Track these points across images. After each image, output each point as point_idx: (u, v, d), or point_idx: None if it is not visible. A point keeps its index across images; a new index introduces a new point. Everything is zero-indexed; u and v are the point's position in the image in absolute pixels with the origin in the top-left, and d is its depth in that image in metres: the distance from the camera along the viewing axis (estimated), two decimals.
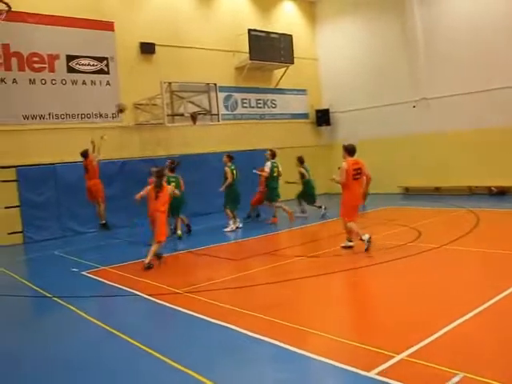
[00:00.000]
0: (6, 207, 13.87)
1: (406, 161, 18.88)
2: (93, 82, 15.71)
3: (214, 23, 18.93)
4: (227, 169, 13.24)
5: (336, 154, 21.12)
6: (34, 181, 14.13)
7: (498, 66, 16.27)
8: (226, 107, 19.03)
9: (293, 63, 20.21)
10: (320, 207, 14.60)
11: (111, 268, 9.56)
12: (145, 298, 7.21)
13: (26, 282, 9.20)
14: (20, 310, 7.69)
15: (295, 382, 4.29)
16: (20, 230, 14.11)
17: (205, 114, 15.77)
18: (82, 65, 15.50)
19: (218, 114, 16.16)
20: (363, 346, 4.72)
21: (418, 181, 18.83)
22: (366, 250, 9.08)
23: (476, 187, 17.23)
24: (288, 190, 15.59)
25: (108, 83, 16.01)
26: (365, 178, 9.54)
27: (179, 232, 12.51)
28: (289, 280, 7.62)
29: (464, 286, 6.69)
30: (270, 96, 20.75)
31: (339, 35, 21.65)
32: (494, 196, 16.42)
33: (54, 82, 14.94)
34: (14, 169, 14.05)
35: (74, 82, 15.33)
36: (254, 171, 14.26)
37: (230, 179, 13.17)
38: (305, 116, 22.15)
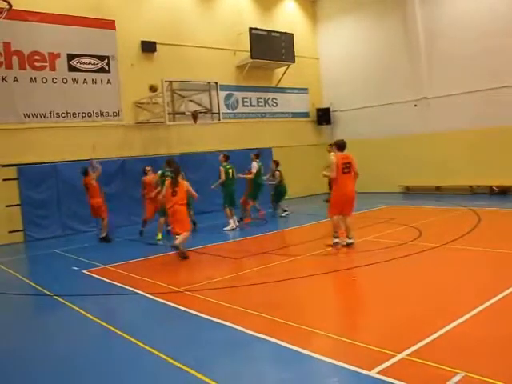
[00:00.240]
0: (7, 205, 13.89)
1: (406, 160, 18.87)
2: (94, 81, 15.72)
3: (216, 22, 18.92)
4: (221, 168, 13.31)
5: None
6: (34, 179, 14.15)
7: (498, 65, 16.25)
8: (227, 106, 19.03)
9: (294, 62, 20.21)
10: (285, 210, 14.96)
11: (112, 266, 9.57)
12: (145, 297, 7.21)
13: (27, 281, 9.21)
14: (21, 309, 7.69)
15: (296, 380, 4.28)
16: (21, 228, 14.13)
17: (206, 113, 15.76)
18: (83, 63, 15.49)
19: (218, 113, 16.16)
20: (364, 345, 4.72)
21: (418, 180, 18.81)
22: (330, 245, 9.58)
23: (477, 186, 17.20)
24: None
25: (109, 82, 16.01)
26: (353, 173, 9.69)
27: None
28: (289, 279, 7.62)
29: (465, 285, 6.68)
30: (270, 95, 20.75)
31: (340, 34, 21.64)
32: (495, 195, 16.41)
33: (55, 80, 14.94)
34: (14, 167, 14.07)
35: (75, 81, 15.34)
36: (241, 176, 14.18)
37: (222, 178, 13.22)
38: (306, 115, 22.14)
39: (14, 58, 14.23)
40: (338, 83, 21.64)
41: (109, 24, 15.96)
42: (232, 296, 7.04)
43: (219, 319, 5.83)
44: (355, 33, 20.99)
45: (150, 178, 13.28)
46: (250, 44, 18.71)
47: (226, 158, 13.61)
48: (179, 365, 4.65)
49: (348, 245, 9.60)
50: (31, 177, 14.16)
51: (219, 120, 16.37)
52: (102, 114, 15.81)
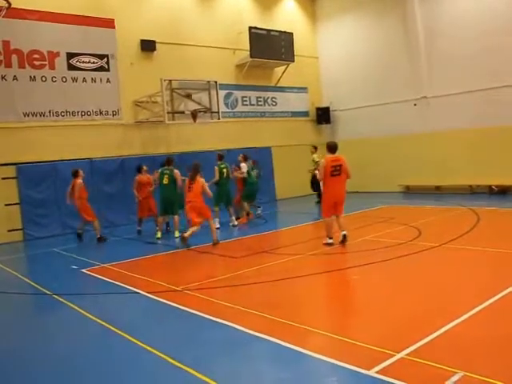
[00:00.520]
0: (6, 204, 13.90)
1: (406, 159, 18.86)
2: (93, 80, 15.71)
3: (215, 21, 18.92)
4: (215, 167, 13.45)
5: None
6: (34, 178, 14.16)
7: (498, 64, 16.24)
8: (227, 105, 19.03)
9: (293, 61, 20.20)
10: (247, 214, 14.62)
11: (111, 265, 9.56)
12: (144, 296, 7.20)
13: (26, 280, 9.20)
14: (20, 308, 7.68)
15: (295, 380, 4.28)
16: (20, 227, 14.14)
17: (205, 112, 15.76)
18: (83, 62, 15.49)
19: (218, 112, 16.16)
20: (363, 345, 4.71)
21: (418, 179, 18.81)
22: (324, 244, 9.78)
23: (477, 186, 17.21)
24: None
25: (108, 80, 16.01)
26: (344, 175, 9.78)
27: (176, 233, 12.54)
28: (289, 278, 7.62)
29: (464, 285, 6.68)
30: (270, 94, 20.75)
31: (340, 33, 21.64)
32: (494, 195, 16.40)
33: (54, 79, 14.93)
34: (14, 166, 14.07)
35: (75, 80, 15.33)
36: (236, 174, 14.21)
37: (216, 178, 13.33)
38: (305, 114, 22.14)
39: (14, 57, 14.23)
40: (337, 82, 21.63)
41: (108, 23, 15.95)
42: (231, 295, 7.03)
43: (218, 318, 5.83)
44: (355, 32, 20.98)
45: (145, 178, 13.28)
46: (250, 43, 18.71)
47: (221, 157, 13.74)
48: (178, 364, 4.64)
49: (344, 237, 9.67)
50: (30, 176, 14.16)
51: (219, 119, 16.38)
52: (101, 112, 15.81)
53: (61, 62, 15.07)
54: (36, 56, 14.62)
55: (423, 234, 10.30)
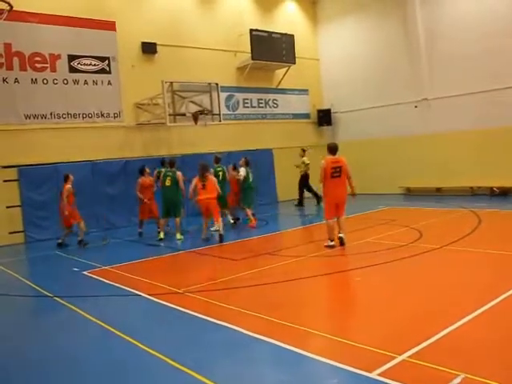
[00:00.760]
0: (8, 207, 13.91)
1: (407, 161, 18.86)
2: (94, 82, 15.73)
3: (216, 23, 18.93)
4: (211, 170, 13.44)
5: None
6: (35, 180, 14.17)
7: (499, 66, 16.23)
8: (228, 107, 19.03)
9: (294, 63, 20.21)
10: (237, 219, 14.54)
11: (112, 268, 9.56)
12: (145, 298, 7.20)
13: (27, 282, 9.21)
14: (22, 310, 7.69)
15: (296, 382, 4.28)
16: (21, 229, 14.15)
17: (206, 114, 15.76)
18: (84, 64, 15.51)
19: (219, 114, 16.15)
20: (365, 347, 4.71)
21: (419, 181, 18.80)
22: (326, 246, 9.76)
23: (478, 188, 17.20)
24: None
25: (110, 83, 16.02)
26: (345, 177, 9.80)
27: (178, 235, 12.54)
28: (290, 280, 7.60)
29: (465, 287, 6.67)
30: (271, 96, 20.76)
31: (341, 35, 21.64)
32: (495, 197, 16.38)
33: (55, 81, 14.95)
34: (15, 168, 14.09)
35: (76, 82, 15.35)
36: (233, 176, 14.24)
37: None
38: (306, 116, 22.14)
39: (15, 60, 14.25)
40: (338, 84, 21.63)
41: (109, 25, 15.97)
42: (232, 297, 7.03)
43: (219, 320, 5.82)
44: (356, 34, 20.99)
45: (147, 180, 13.28)
46: (251, 45, 18.72)
47: (217, 160, 13.79)
48: (179, 366, 4.64)
49: (341, 239, 9.73)
50: (32, 178, 14.17)
51: (220, 121, 16.36)
52: (102, 115, 15.82)
53: (62, 65, 15.09)
54: (37, 58, 14.64)
55: (424, 235, 10.29)
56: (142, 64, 16.82)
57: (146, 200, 13.11)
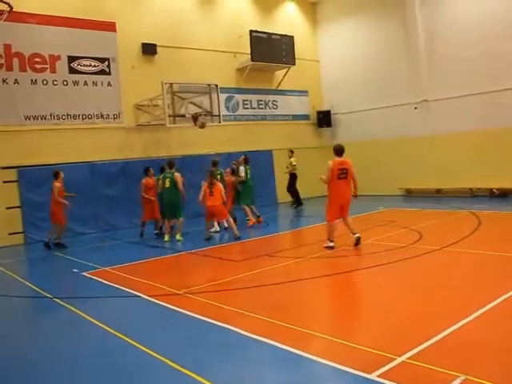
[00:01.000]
0: (7, 208, 13.91)
1: (407, 163, 18.87)
2: (94, 83, 15.73)
3: (216, 24, 18.94)
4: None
5: None
6: (34, 181, 14.15)
7: (498, 68, 16.25)
8: (228, 108, 19.04)
9: (294, 64, 20.23)
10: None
11: (111, 269, 9.55)
12: (145, 299, 7.20)
13: (27, 283, 9.20)
14: (21, 311, 7.69)
15: (295, 383, 4.28)
16: (21, 230, 14.15)
17: (206, 115, 15.76)
18: (84, 65, 15.51)
19: (219, 115, 16.16)
20: (364, 348, 4.70)
21: (419, 183, 18.82)
22: (325, 247, 9.75)
23: (477, 189, 17.21)
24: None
25: (109, 84, 16.03)
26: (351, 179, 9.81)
27: (178, 236, 12.54)
28: (290, 281, 7.59)
29: (465, 288, 6.67)
30: (271, 97, 20.77)
31: (341, 36, 21.67)
32: (495, 198, 16.40)
33: (55, 82, 14.95)
34: (15, 169, 14.08)
35: (76, 83, 15.35)
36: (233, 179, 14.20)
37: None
38: (306, 117, 22.16)
39: (15, 60, 14.25)
40: (338, 85, 21.64)
41: (109, 26, 15.98)
42: (232, 298, 7.03)
43: (219, 322, 5.82)
44: (355, 35, 21.01)
45: (151, 180, 13.35)
46: (251, 46, 18.73)
47: (215, 163, 13.82)
48: (179, 367, 4.63)
49: (357, 240, 9.60)
50: (31, 179, 14.16)
51: (220, 122, 16.37)
52: (102, 116, 15.82)
53: (62, 66, 15.10)
54: (37, 59, 14.64)
55: (424, 237, 10.29)
56: (142, 65, 16.83)
57: (152, 198, 13.20)
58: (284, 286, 7.42)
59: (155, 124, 16.44)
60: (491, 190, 16.76)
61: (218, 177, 13.53)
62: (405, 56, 19.16)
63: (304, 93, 21.98)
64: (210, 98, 15.95)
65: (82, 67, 15.51)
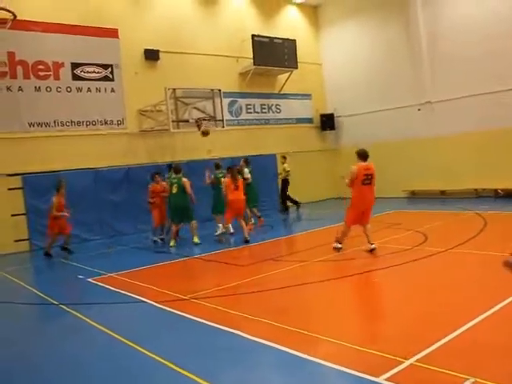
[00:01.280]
0: (13, 215, 13.94)
1: (411, 165, 18.84)
2: (98, 89, 15.77)
3: (218, 29, 18.98)
4: (212, 176, 13.77)
5: (341, 158, 21.21)
6: (39, 188, 14.14)
7: (502, 68, 16.21)
8: (231, 113, 19.05)
9: (297, 68, 20.23)
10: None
11: (117, 275, 9.55)
12: (151, 305, 7.19)
13: (33, 289, 9.21)
14: (27, 318, 7.69)
15: None
16: (26, 237, 14.17)
17: (209, 120, 15.78)
18: (87, 72, 15.56)
19: (222, 120, 16.17)
20: (372, 352, 4.68)
21: (423, 184, 18.77)
22: (334, 248, 9.72)
23: (482, 190, 17.16)
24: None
25: (113, 90, 16.07)
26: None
27: (195, 239, 12.54)
28: (296, 285, 7.59)
29: (472, 290, 6.64)
30: (274, 101, 20.78)
31: (343, 39, 21.68)
32: (500, 198, 16.35)
33: (59, 89, 15.00)
34: (19, 176, 14.12)
35: (79, 90, 15.40)
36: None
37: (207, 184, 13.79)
38: (309, 121, 22.15)
39: (19, 68, 14.31)
40: (341, 88, 21.64)
41: (112, 33, 16.03)
42: (238, 303, 7.02)
43: (226, 327, 5.81)
44: (358, 38, 21.02)
45: (158, 187, 13.24)
46: (253, 51, 18.75)
47: (218, 166, 13.91)
48: (185, 372, 4.62)
49: (372, 250, 9.39)
50: (36, 186, 14.18)
51: (223, 127, 16.38)
52: (106, 122, 15.86)
53: (65, 73, 15.15)
54: (41, 67, 14.70)
55: (429, 239, 10.26)
56: (145, 71, 16.87)
57: (158, 202, 13.12)
58: (289, 289, 7.40)
59: (159, 129, 16.46)
60: (496, 190, 16.71)
61: (222, 180, 13.58)
62: (407, 58, 19.15)
63: (307, 96, 21.98)
64: (213, 102, 15.99)
65: (86, 74, 15.55)
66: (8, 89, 14.16)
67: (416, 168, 18.68)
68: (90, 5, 15.67)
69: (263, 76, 20.12)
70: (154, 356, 5.11)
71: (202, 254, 11.10)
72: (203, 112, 15.76)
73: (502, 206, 14.75)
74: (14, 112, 14.20)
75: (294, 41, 20.11)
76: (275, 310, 6.38)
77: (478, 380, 3.91)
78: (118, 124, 16.11)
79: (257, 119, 20.19)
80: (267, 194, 18.27)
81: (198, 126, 15.40)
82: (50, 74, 14.88)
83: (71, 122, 15.17)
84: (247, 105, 19.87)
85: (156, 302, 7.26)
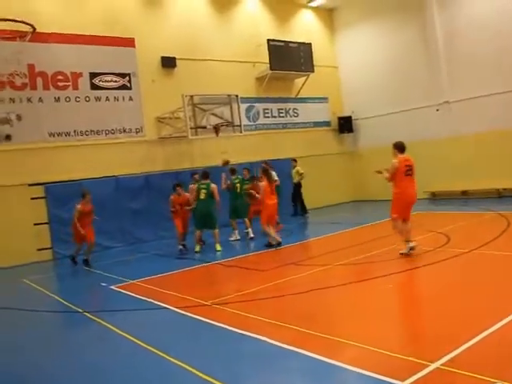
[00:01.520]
0: (35, 224, 14.12)
1: (431, 166, 18.61)
2: (116, 98, 15.95)
3: (233, 35, 19.07)
4: (228, 182, 13.85)
5: (359, 160, 21.12)
6: (61, 197, 14.33)
7: None
8: (248, 118, 19.10)
9: (313, 71, 20.22)
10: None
11: (139, 282, 9.61)
12: (174, 311, 7.22)
13: (57, 298, 9.32)
14: (51, 325, 7.77)
15: None
16: (49, 246, 14.35)
17: (227, 126, 15.84)
18: (105, 81, 15.75)
19: (240, 125, 16.20)
20: (397, 356, 4.63)
21: (444, 185, 18.58)
22: (402, 254, 9.09)
23: (504, 189, 16.93)
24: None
25: (131, 98, 16.23)
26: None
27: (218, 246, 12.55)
28: (318, 289, 7.54)
29: (498, 291, 6.54)
30: (291, 105, 20.78)
31: (359, 42, 21.62)
32: None
33: (77, 99, 15.20)
34: (41, 186, 14.31)
35: (98, 99, 15.58)
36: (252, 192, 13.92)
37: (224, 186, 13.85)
38: (327, 124, 22.11)
39: (38, 79, 14.55)
40: (358, 91, 21.57)
41: (129, 42, 16.21)
42: (261, 308, 6.99)
43: (248, 332, 5.80)
44: (374, 40, 20.94)
45: (180, 199, 12.98)
46: (269, 55, 18.81)
47: (233, 171, 13.89)
48: (209, 379, 4.62)
49: (410, 249, 9.12)
50: (58, 195, 14.37)
51: (241, 132, 16.41)
52: (124, 130, 16.02)
53: (84, 82, 15.35)
54: (60, 77, 14.92)
55: (452, 240, 10.15)
56: (162, 78, 17.00)
57: (180, 209, 12.98)
58: (312, 294, 7.37)
59: (177, 136, 16.56)
60: None
61: (238, 185, 13.57)
62: (424, 58, 19.01)
63: (324, 99, 21.95)
64: (231, 108, 16.02)
65: (104, 83, 15.74)
66: (29, 100, 14.39)
67: (436, 169, 18.48)
68: (106, 15, 15.89)
69: (280, 80, 20.14)
70: (179, 363, 5.11)
71: (222, 259, 11.12)
72: (221, 118, 15.82)
73: None
74: (35, 122, 14.42)
75: (310, 44, 20.12)
76: (299, 315, 6.36)
77: (505, 383, 3.84)
78: (136, 132, 16.25)
79: (274, 124, 20.21)
80: (287, 198, 18.22)
81: (216, 132, 15.47)
82: (69, 85, 15.09)
83: (90, 131, 15.35)
84: (264, 109, 19.90)
85: (178, 308, 7.29)
